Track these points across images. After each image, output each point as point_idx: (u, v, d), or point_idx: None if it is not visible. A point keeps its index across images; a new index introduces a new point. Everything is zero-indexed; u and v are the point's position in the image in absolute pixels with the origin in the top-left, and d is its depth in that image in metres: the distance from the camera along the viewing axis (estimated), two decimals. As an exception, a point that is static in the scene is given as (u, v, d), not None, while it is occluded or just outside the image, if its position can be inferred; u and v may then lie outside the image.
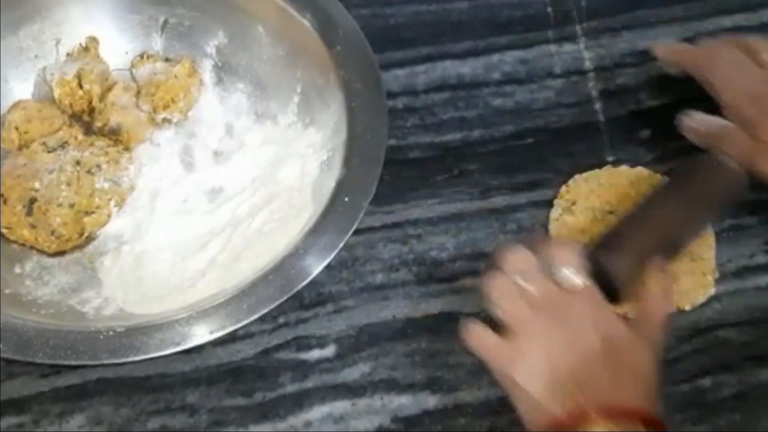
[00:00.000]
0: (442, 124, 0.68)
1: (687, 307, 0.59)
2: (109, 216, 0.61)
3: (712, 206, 0.58)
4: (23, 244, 0.60)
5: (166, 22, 0.67)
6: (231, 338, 0.57)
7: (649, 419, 0.47)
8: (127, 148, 0.64)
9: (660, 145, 0.67)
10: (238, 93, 0.67)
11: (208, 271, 0.59)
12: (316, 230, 0.55)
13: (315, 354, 0.58)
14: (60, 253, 0.60)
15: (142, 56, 0.67)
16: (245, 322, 0.52)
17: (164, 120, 0.65)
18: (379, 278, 0.61)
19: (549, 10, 0.73)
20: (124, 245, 0.61)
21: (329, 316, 0.59)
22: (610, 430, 0.46)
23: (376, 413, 0.56)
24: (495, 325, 0.50)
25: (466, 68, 0.71)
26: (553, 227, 0.62)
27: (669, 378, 0.57)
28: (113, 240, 0.61)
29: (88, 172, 0.61)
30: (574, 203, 0.63)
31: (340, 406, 0.56)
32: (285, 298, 0.53)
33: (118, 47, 0.68)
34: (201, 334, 0.52)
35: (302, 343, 0.58)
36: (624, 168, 0.65)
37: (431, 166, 0.66)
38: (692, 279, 0.60)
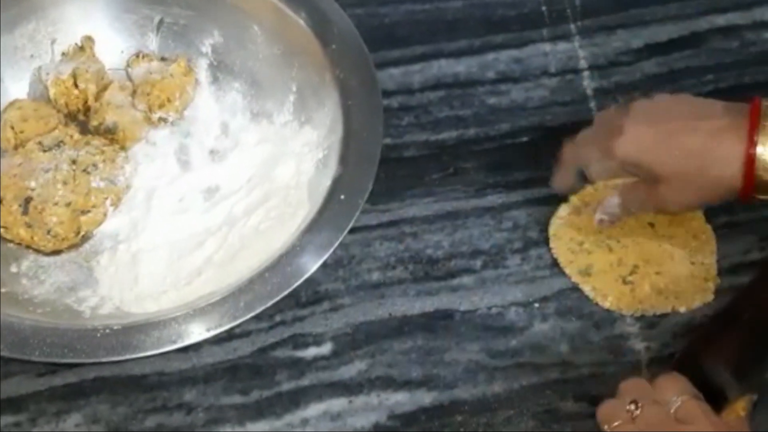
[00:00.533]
0: (437, 123, 0.68)
1: (682, 309, 0.60)
2: (105, 215, 0.61)
3: None
4: (19, 244, 0.60)
5: (161, 21, 0.67)
6: (228, 336, 0.57)
7: None
8: (122, 148, 0.64)
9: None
10: (233, 92, 0.67)
11: (204, 269, 0.59)
12: (312, 228, 0.56)
13: (312, 352, 0.58)
14: (56, 252, 0.60)
15: (137, 55, 0.67)
16: (242, 320, 0.52)
17: (160, 119, 0.65)
18: (376, 276, 0.61)
19: (543, 8, 0.74)
20: (121, 244, 0.61)
21: (326, 314, 0.59)
22: None
23: (373, 410, 0.56)
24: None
25: (461, 67, 0.71)
26: (554, 225, 0.62)
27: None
28: (109, 239, 0.61)
29: (84, 171, 0.61)
30: (587, 205, 0.63)
31: (337, 403, 0.56)
32: (281, 296, 0.54)
33: (113, 47, 0.68)
34: (198, 332, 0.52)
35: (299, 341, 0.58)
36: None
37: (427, 165, 0.66)
38: (692, 283, 0.60)
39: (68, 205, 0.60)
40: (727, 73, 0.71)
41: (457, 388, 0.57)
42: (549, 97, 0.70)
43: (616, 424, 0.49)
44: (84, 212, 0.60)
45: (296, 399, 0.56)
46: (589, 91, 0.70)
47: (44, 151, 0.62)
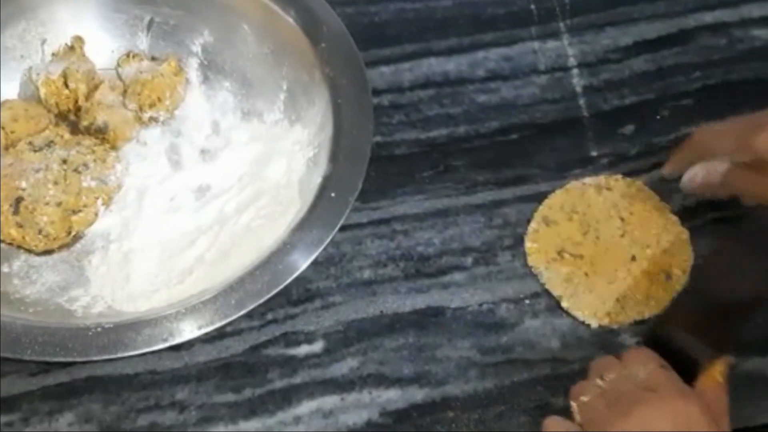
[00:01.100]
0: (427, 121, 0.68)
1: (646, 315, 0.59)
2: (96, 214, 0.61)
3: None
4: (11, 244, 0.60)
5: (151, 21, 0.68)
6: (219, 335, 0.58)
7: None
8: (113, 147, 0.64)
9: (643, 139, 0.67)
10: (224, 91, 0.67)
11: (195, 268, 0.59)
12: (303, 226, 0.56)
13: (303, 350, 0.58)
14: (48, 252, 0.60)
15: (128, 55, 0.67)
16: (233, 317, 0.52)
17: (151, 119, 0.66)
18: (367, 274, 0.61)
19: (532, 7, 0.74)
20: (112, 243, 0.61)
21: (317, 312, 0.60)
22: None
23: (365, 407, 0.56)
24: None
25: (451, 65, 0.71)
26: (529, 237, 0.62)
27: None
28: (101, 238, 0.61)
29: (75, 170, 0.61)
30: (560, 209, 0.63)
31: (329, 401, 0.56)
32: (273, 293, 0.54)
33: (103, 46, 0.68)
34: (189, 330, 0.52)
35: (291, 339, 0.58)
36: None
37: (417, 163, 0.66)
38: (656, 286, 0.60)
39: (59, 204, 0.60)
40: (715, 70, 0.71)
41: (448, 384, 0.57)
42: (539, 94, 0.70)
43: (584, 398, 0.49)
44: (75, 212, 0.60)
45: (288, 397, 0.56)
46: (578, 89, 0.70)
47: (35, 151, 0.62)
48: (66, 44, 0.67)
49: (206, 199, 0.63)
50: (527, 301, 0.60)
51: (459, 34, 0.72)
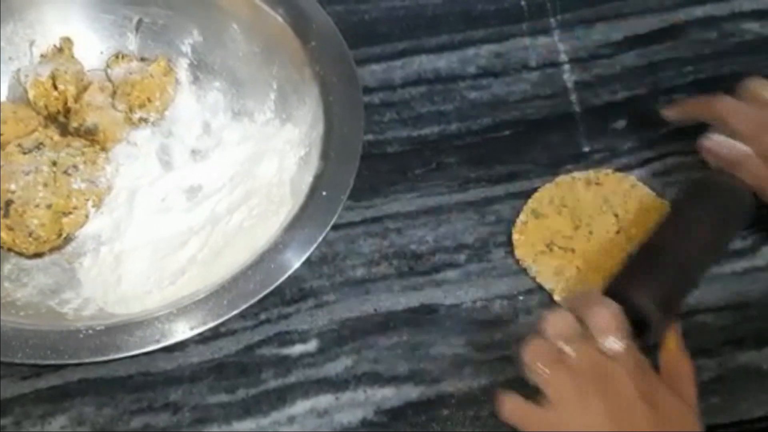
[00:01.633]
0: (419, 118, 0.68)
1: None
2: (86, 216, 0.61)
3: (728, 228, 0.58)
4: (0, 247, 0.59)
5: (140, 21, 0.67)
6: (213, 335, 0.57)
7: None
8: (103, 148, 0.64)
9: (635, 134, 0.67)
10: (214, 91, 0.67)
11: (187, 269, 0.58)
12: (295, 225, 0.55)
13: (297, 349, 0.58)
14: (38, 255, 0.60)
15: (117, 56, 0.67)
16: (225, 317, 0.52)
17: (141, 119, 0.65)
18: (360, 272, 0.61)
19: (523, 3, 0.74)
20: (103, 245, 0.60)
21: (311, 311, 0.59)
22: None
23: (360, 406, 0.56)
24: (528, 391, 0.49)
25: (442, 62, 0.71)
26: (516, 231, 0.62)
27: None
28: (92, 240, 0.61)
29: (65, 172, 0.61)
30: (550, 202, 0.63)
31: (324, 400, 0.56)
32: (265, 293, 0.53)
33: (92, 47, 0.67)
34: (181, 331, 0.52)
35: (284, 339, 0.58)
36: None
37: (409, 160, 0.66)
38: None
39: (49, 207, 0.59)
40: (706, 64, 0.71)
41: (443, 382, 0.57)
42: (530, 90, 0.70)
43: (546, 369, 0.48)
44: (65, 214, 0.60)
45: (283, 396, 0.56)
46: (569, 84, 0.70)
47: (24, 153, 0.61)
48: (54, 46, 0.66)
49: (198, 200, 0.63)
50: (521, 298, 0.60)
51: (450, 31, 0.72)
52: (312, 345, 0.58)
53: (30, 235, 0.59)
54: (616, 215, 0.62)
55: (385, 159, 0.66)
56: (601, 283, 0.60)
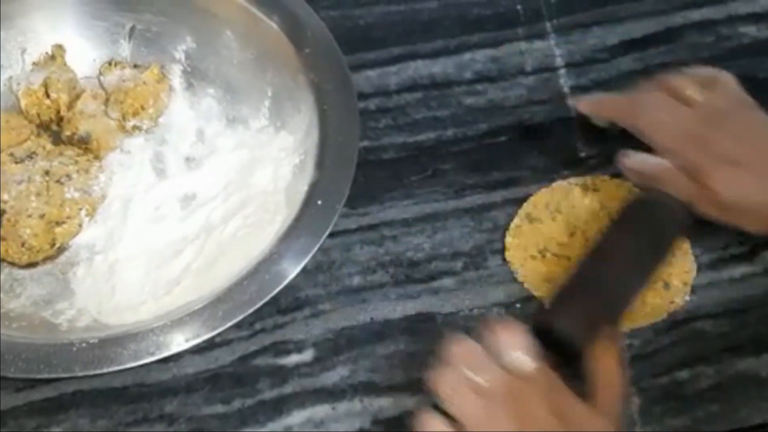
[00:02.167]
0: (415, 124, 0.68)
1: (641, 324, 0.59)
2: (80, 226, 0.61)
3: (660, 248, 0.58)
4: (-6, 257, 0.59)
5: (133, 28, 0.67)
6: (208, 345, 0.57)
7: None
8: (97, 157, 0.63)
9: (632, 140, 0.66)
10: (208, 98, 0.66)
11: (182, 278, 0.58)
12: (290, 234, 0.55)
13: (293, 359, 0.57)
14: (31, 265, 0.59)
15: (110, 63, 0.66)
16: (220, 329, 0.52)
17: (134, 127, 0.65)
18: (356, 281, 0.61)
19: (518, 7, 0.74)
20: (97, 255, 0.60)
21: (306, 320, 0.59)
22: None
23: (357, 416, 0.56)
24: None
25: (438, 67, 0.70)
26: (509, 236, 0.62)
27: (647, 371, 0.57)
28: (86, 250, 0.60)
29: (58, 182, 0.60)
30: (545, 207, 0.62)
31: (320, 410, 0.56)
32: (260, 303, 0.53)
33: (85, 55, 0.67)
34: (176, 343, 0.51)
35: (280, 349, 0.58)
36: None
37: (405, 167, 0.66)
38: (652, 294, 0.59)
39: (42, 216, 0.59)
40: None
41: (440, 391, 0.56)
42: (526, 95, 0.69)
43: (456, 398, 0.48)
44: (59, 223, 0.59)
45: (279, 407, 0.56)
46: (565, 89, 0.70)
47: (16, 162, 0.61)
48: (47, 53, 0.66)
49: (192, 208, 0.62)
50: (518, 305, 0.60)
51: (445, 36, 0.72)
52: (308, 354, 0.58)
53: (23, 245, 0.58)
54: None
55: (381, 165, 0.65)
56: None
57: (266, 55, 0.64)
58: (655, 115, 0.61)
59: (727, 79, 0.62)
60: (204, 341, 0.53)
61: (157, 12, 0.66)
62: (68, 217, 0.60)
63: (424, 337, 0.58)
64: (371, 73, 0.70)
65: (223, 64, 0.65)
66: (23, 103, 0.64)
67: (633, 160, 0.61)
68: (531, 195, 0.63)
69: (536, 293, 0.60)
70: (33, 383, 0.55)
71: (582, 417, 0.48)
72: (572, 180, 0.64)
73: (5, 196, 0.59)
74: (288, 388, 0.56)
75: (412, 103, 0.69)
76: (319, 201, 0.56)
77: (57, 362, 0.50)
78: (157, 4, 0.66)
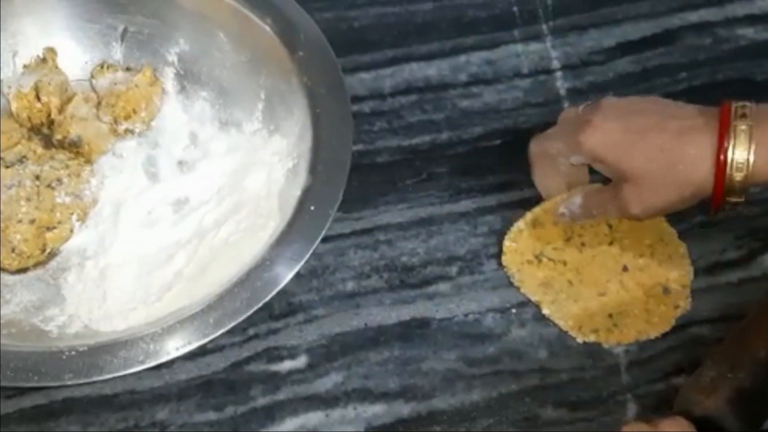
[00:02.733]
0: (409, 128, 0.67)
1: (651, 336, 0.58)
2: (71, 231, 0.60)
3: None
4: (-17, 263, 0.58)
5: (125, 30, 0.66)
6: (201, 352, 0.56)
7: None
8: (88, 161, 0.62)
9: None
10: (201, 101, 0.66)
11: (174, 284, 0.57)
12: (283, 240, 0.54)
13: (286, 365, 0.57)
14: (22, 271, 0.59)
15: (101, 66, 0.66)
16: (212, 336, 0.51)
17: (126, 130, 0.64)
18: (350, 286, 0.60)
19: (515, 9, 0.73)
20: (88, 260, 0.59)
21: (300, 326, 0.58)
22: None
23: (350, 423, 0.55)
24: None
25: (433, 70, 0.70)
26: (507, 242, 0.60)
27: (643, 377, 0.57)
28: (77, 255, 0.60)
29: (48, 186, 0.60)
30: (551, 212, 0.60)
31: (314, 417, 0.55)
32: (253, 310, 0.52)
33: (76, 57, 0.66)
34: (166, 351, 0.51)
35: (273, 355, 0.57)
36: None
37: (400, 171, 0.65)
38: (657, 308, 0.58)
39: (32, 222, 0.58)
40: (701, 70, 0.70)
41: (435, 398, 0.56)
42: (522, 98, 0.69)
43: None
44: (49, 228, 0.59)
45: (271, 414, 0.55)
46: (562, 92, 0.69)
47: (7, 166, 0.60)
48: (38, 56, 0.65)
49: (184, 212, 0.62)
50: (514, 311, 0.59)
51: (440, 38, 0.71)
52: (301, 361, 0.57)
53: (13, 250, 0.58)
54: (610, 225, 0.61)
55: (375, 169, 0.65)
56: (596, 296, 0.59)
57: (259, 58, 0.63)
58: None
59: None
60: (196, 347, 0.52)
61: (149, 14, 0.65)
62: (59, 222, 0.59)
63: (419, 343, 0.58)
64: (366, 76, 0.69)
65: (216, 66, 0.65)
66: (14, 106, 0.63)
67: (567, 211, 0.60)
68: (526, 198, 0.63)
69: (532, 298, 0.59)
70: (23, 390, 0.55)
71: None
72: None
73: (-5, 201, 0.58)
74: (281, 395, 0.56)
75: (406, 106, 0.68)
76: (312, 206, 0.56)
77: (46, 370, 0.49)
78: (150, 7, 0.65)
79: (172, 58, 0.66)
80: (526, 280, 0.60)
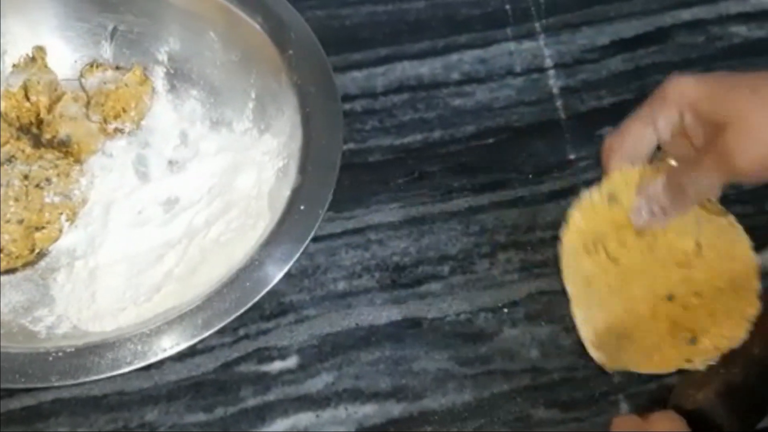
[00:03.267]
0: (401, 126, 0.67)
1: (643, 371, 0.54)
2: (60, 231, 0.59)
3: None
4: (-28, 263, 0.58)
5: (115, 29, 0.66)
6: (190, 352, 0.56)
7: None
8: (78, 160, 0.62)
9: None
10: (191, 100, 0.65)
11: (164, 284, 0.57)
12: (272, 240, 0.54)
13: (277, 366, 0.57)
14: (11, 271, 0.58)
15: (91, 65, 0.65)
16: (201, 337, 0.51)
17: (116, 130, 0.64)
18: (341, 286, 0.60)
19: (507, 7, 0.73)
20: (77, 260, 0.59)
21: (291, 326, 0.58)
22: None
23: (341, 424, 0.55)
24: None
25: (425, 68, 0.69)
26: (579, 214, 0.50)
27: (635, 377, 0.56)
28: (66, 255, 0.59)
29: (37, 186, 0.59)
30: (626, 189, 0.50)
31: (304, 418, 0.55)
32: (243, 309, 0.52)
33: (66, 56, 0.66)
34: (154, 351, 0.50)
35: (263, 355, 0.57)
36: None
37: (391, 169, 0.65)
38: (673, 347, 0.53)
39: (21, 222, 0.58)
40: (694, 68, 0.70)
41: (426, 398, 0.56)
42: (515, 96, 0.68)
43: None
44: (38, 229, 0.58)
45: (262, 415, 0.55)
46: (555, 90, 0.69)
47: (-5, 166, 0.60)
48: (27, 55, 0.65)
49: (175, 212, 0.61)
50: (506, 310, 0.59)
51: (433, 37, 0.71)
52: (292, 361, 0.57)
53: (1, 251, 0.57)
54: (699, 245, 0.49)
55: (366, 168, 0.65)
56: (618, 315, 0.52)
57: (250, 57, 0.63)
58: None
59: None
60: (186, 348, 0.52)
61: (139, 13, 0.65)
62: (48, 222, 0.59)
63: (410, 343, 0.58)
64: (357, 74, 0.69)
65: (206, 65, 0.64)
66: (2, 105, 0.63)
67: (637, 212, 0.51)
68: (519, 197, 0.62)
69: (569, 290, 0.52)
70: (11, 392, 0.54)
71: None
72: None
73: (-17, 201, 0.58)
74: (271, 396, 0.56)
75: (398, 104, 0.68)
76: (302, 205, 0.55)
77: (33, 372, 0.49)
78: (140, 5, 0.65)
79: (162, 57, 0.66)
80: (570, 271, 0.52)
